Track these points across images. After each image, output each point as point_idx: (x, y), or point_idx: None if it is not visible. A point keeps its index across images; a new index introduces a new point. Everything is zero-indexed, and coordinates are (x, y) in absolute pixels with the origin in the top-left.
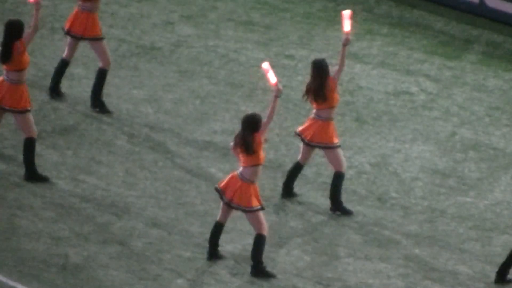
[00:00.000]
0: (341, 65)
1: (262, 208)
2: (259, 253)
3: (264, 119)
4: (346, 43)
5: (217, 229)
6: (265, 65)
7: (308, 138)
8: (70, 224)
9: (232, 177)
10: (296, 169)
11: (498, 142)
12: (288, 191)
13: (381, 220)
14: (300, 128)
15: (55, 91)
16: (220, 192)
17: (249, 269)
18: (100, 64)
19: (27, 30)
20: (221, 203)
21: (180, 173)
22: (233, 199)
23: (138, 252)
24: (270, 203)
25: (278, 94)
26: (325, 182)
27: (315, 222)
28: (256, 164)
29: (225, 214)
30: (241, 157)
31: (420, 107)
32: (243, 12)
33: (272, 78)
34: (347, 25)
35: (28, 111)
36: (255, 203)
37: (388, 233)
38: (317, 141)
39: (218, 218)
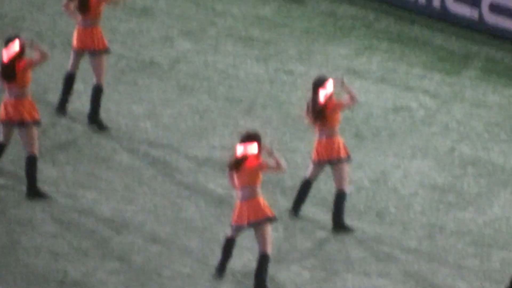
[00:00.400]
0: (352, 98)
1: (275, 220)
2: (264, 274)
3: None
4: (341, 84)
5: (229, 245)
6: (239, 151)
7: (326, 158)
8: (69, 239)
9: (236, 207)
10: (306, 187)
11: (497, 157)
12: (297, 210)
13: (380, 236)
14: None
15: (63, 108)
16: (240, 226)
17: (248, 286)
18: (94, 80)
19: (35, 55)
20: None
21: (179, 188)
22: (250, 220)
23: (137, 268)
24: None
25: (269, 151)
26: (324, 198)
27: (314, 237)
28: (251, 184)
29: (236, 232)
30: (236, 179)
31: (419, 123)
32: (242, 28)
33: (252, 150)
34: (330, 86)
35: (32, 124)
36: (269, 213)
37: (387, 249)
38: (325, 158)
39: (229, 234)
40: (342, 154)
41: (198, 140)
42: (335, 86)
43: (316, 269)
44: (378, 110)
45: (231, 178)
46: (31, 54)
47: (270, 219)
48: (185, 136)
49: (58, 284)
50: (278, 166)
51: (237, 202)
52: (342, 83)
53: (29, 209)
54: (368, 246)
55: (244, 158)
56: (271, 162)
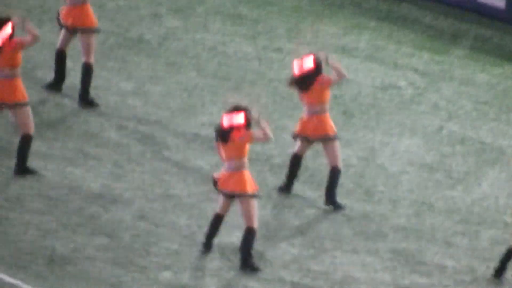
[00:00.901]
0: (339, 74)
1: (255, 196)
2: (249, 247)
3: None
4: (326, 59)
5: (217, 222)
6: (225, 122)
7: (310, 135)
8: (57, 216)
9: (221, 173)
10: (296, 162)
11: (486, 136)
12: (290, 187)
13: (368, 214)
14: (297, 129)
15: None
16: (214, 182)
17: (236, 262)
18: (82, 59)
19: (26, 37)
20: (219, 198)
21: (167, 165)
22: (225, 187)
23: (125, 244)
24: (258, 196)
25: (256, 119)
26: (313, 175)
27: (302, 215)
28: (239, 156)
29: (225, 207)
30: (223, 150)
31: (408, 101)
32: (231, 5)
33: (238, 119)
34: (309, 62)
35: (25, 104)
36: (250, 189)
37: (376, 227)
38: (318, 135)
39: (217, 210)
40: (331, 132)
41: (187, 117)
42: (320, 61)
43: (304, 247)
44: (367, 88)
45: (219, 150)
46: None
47: (253, 195)
48: (174, 113)
49: (47, 260)
50: (265, 136)
51: (223, 172)
52: (326, 59)
53: (17, 186)
54: (356, 223)
55: (231, 129)
56: (257, 133)
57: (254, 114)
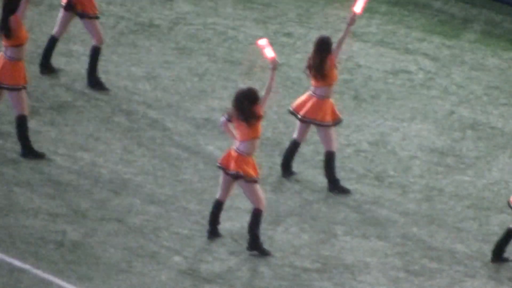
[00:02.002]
0: (341, 43)
1: (256, 181)
2: (256, 227)
3: (262, 93)
4: (352, 23)
5: (217, 207)
6: (262, 41)
7: (301, 113)
8: (67, 201)
9: (228, 152)
10: (294, 147)
11: (496, 121)
12: (286, 170)
13: (378, 199)
14: (294, 104)
15: (46, 68)
16: (221, 167)
17: (245, 246)
18: (93, 42)
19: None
20: (221, 180)
21: (177, 150)
22: (230, 167)
23: (135, 229)
24: (268, 181)
25: (274, 66)
26: (323, 160)
27: (312, 200)
28: (253, 138)
29: (225, 191)
30: (238, 131)
31: (418, 86)
32: None
33: (269, 53)
34: (358, 6)
35: (22, 88)
36: (251, 174)
37: (386, 212)
38: (310, 117)
39: (218, 196)
40: (327, 119)
41: (197, 102)
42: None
43: (314, 232)
44: (377, 73)
45: (227, 128)
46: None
47: (253, 180)
48: (184, 98)
49: (57, 245)
50: (269, 86)
51: (231, 149)
52: (353, 20)
53: (28, 171)
54: (366, 208)
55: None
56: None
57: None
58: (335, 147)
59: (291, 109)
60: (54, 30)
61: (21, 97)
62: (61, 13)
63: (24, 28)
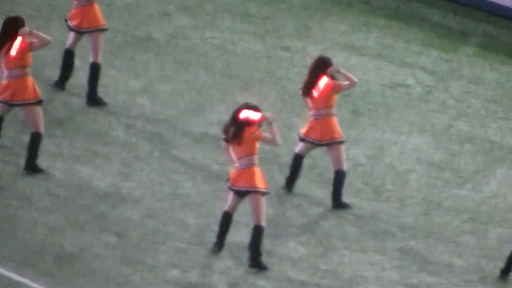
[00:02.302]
0: (350, 81)
1: (268, 193)
2: (258, 245)
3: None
4: (335, 70)
5: (227, 219)
6: (242, 115)
7: (317, 139)
8: (65, 214)
9: (233, 172)
10: (299, 162)
11: (494, 134)
12: (291, 186)
13: (376, 213)
14: (305, 132)
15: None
16: (228, 179)
17: (244, 261)
18: (91, 58)
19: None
20: (230, 195)
21: (175, 164)
22: (236, 183)
23: (133, 243)
24: (268, 193)
25: (269, 121)
26: (321, 174)
27: (311, 213)
28: (250, 154)
29: (234, 205)
30: (234, 150)
31: (416, 99)
32: (240, 3)
33: (255, 116)
34: (323, 82)
35: (37, 103)
36: (261, 185)
37: (384, 226)
38: (326, 139)
39: (226, 208)
40: (337, 136)
41: (195, 116)
42: (331, 75)
43: (312, 245)
44: (375, 86)
45: (227, 151)
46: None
47: (262, 192)
48: (182, 112)
49: (55, 258)
50: (273, 139)
51: (234, 171)
52: (338, 71)
53: (26, 184)
54: (364, 222)
55: (243, 127)
56: (267, 135)
57: (268, 115)
58: (345, 166)
59: (302, 135)
60: (67, 44)
61: (36, 113)
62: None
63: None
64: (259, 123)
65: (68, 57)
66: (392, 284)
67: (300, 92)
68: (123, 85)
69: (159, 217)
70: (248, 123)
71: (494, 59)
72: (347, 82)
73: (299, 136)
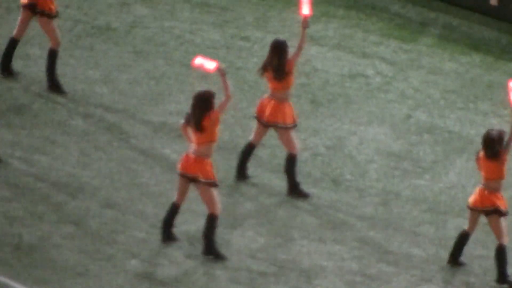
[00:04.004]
0: (300, 47)
1: (216, 185)
2: (211, 233)
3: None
4: (305, 25)
5: (173, 210)
6: (197, 61)
7: (264, 118)
8: (24, 204)
9: (186, 156)
10: (249, 150)
11: (454, 125)
12: (242, 173)
13: (335, 203)
14: (256, 110)
15: (6, 70)
16: (180, 171)
17: (202, 250)
18: (50, 44)
19: None
20: (177, 183)
21: (134, 153)
22: (186, 169)
23: (92, 232)
24: (224, 184)
25: (222, 73)
26: (280, 164)
27: (269, 204)
28: (209, 141)
29: (182, 194)
30: (193, 135)
31: (375, 90)
32: None
33: (209, 65)
34: (305, 8)
35: None
36: (211, 176)
37: (343, 216)
38: (272, 121)
39: (175, 199)
40: (289, 121)
41: (154, 105)
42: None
43: (271, 235)
44: (335, 76)
45: (184, 131)
46: None
47: (209, 183)
48: (141, 102)
49: (13, 248)
50: (225, 93)
51: (188, 152)
52: (306, 22)
53: None
54: (323, 212)
55: (202, 117)
56: (220, 105)
57: (223, 67)
58: (297, 149)
59: (255, 115)
60: (14, 32)
61: None
62: (21, 14)
63: None
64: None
65: (12, 47)
66: (351, 274)
67: (262, 73)
68: (82, 74)
69: (118, 206)
70: (206, 106)
71: (453, 50)
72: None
73: (254, 114)
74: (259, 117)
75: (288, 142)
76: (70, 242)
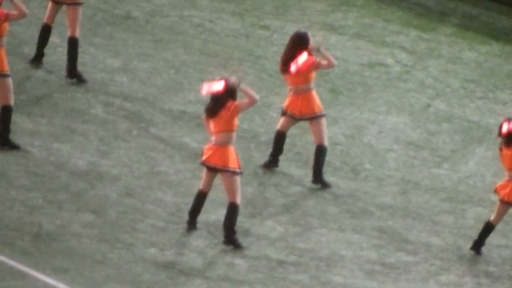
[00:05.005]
0: (329, 62)
1: (240, 173)
2: (232, 222)
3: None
4: (317, 48)
5: (200, 198)
6: (204, 90)
7: (297, 113)
8: (43, 193)
9: (208, 145)
10: (281, 138)
11: (473, 114)
12: (275, 163)
13: (354, 192)
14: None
15: (39, 60)
16: (203, 163)
17: (221, 240)
18: (69, 33)
19: (14, 11)
20: (202, 172)
21: (154, 142)
22: (209, 160)
23: (111, 221)
24: (244, 173)
25: (237, 84)
26: (299, 153)
27: (289, 193)
28: (227, 130)
29: (208, 182)
30: (211, 123)
31: (395, 79)
32: None
33: (218, 86)
34: (302, 58)
35: (6, 75)
36: (233, 165)
37: (362, 205)
38: (306, 114)
39: (200, 187)
40: (317, 110)
41: (174, 94)
42: (311, 52)
43: (290, 224)
44: (354, 65)
45: (207, 124)
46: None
47: (233, 171)
48: (161, 90)
49: (33, 236)
50: (250, 99)
51: (209, 144)
52: (318, 50)
53: (4, 162)
54: (342, 201)
55: (219, 105)
56: (243, 102)
57: (233, 81)
58: (326, 141)
59: (284, 109)
60: (44, 19)
61: (5, 85)
62: (49, 5)
63: (6, 23)
64: (232, 96)
65: (45, 33)
66: (369, 263)
67: (279, 68)
68: (101, 63)
69: (137, 195)
70: (227, 96)
71: (473, 39)
72: (326, 62)
73: (282, 109)
74: (290, 112)
75: (320, 132)
76: (89, 230)
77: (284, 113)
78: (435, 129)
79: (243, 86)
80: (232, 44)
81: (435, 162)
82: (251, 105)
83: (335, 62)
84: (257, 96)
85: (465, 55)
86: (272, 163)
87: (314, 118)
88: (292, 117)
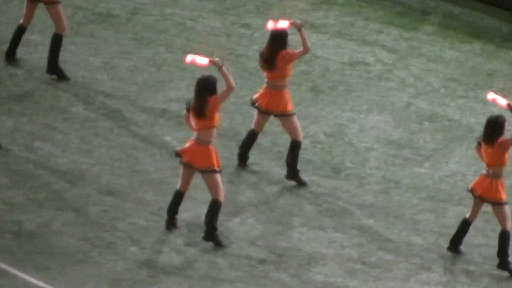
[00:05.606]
0: (305, 48)
1: (219, 171)
2: (213, 219)
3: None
4: (299, 27)
5: (178, 198)
6: (188, 58)
7: (263, 106)
8: (24, 191)
9: (189, 143)
10: (251, 138)
11: (454, 113)
12: (243, 160)
13: (335, 190)
14: (255, 96)
15: (11, 57)
16: (179, 155)
17: (201, 236)
18: (54, 30)
19: None
20: (181, 170)
21: (135, 140)
22: (191, 160)
23: (92, 220)
24: (225, 172)
25: (218, 66)
26: (280, 152)
27: (269, 191)
28: (209, 127)
29: (186, 181)
30: (194, 121)
31: (376, 78)
32: None
33: (202, 60)
34: (283, 23)
35: None
36: (214, 165)
37: (342, 204)
38: (272, 110)
39: (178, 186)
40: (287, 109)
41: (155, 92)
42: (294, 25)
43: (271, 223)
44: (335, 64)
45: (187, 120)
46: None
47: (215, 170)
48: (142, 89)
49: (14, 235)
50: (227, 84)
51: (191, 141)
52: (300, 29)
53: None
54: (323, 200)
55: (205, 105)
56: (220, 93)
57: (217, 59)
58: (301, 136)
59: (252, 100)
60: (22, 20)
61: None
62: (26, 2)
63: None
64: (213, 93)
65: (19, 33)
66: (350, 262)
67: (259, 65)
68: (82, 61)
69: (118, 193)
70: (208, 92)
71: (454, 38)
72: (300, 50)
73: (251, 100)
74: (258, 105)
75: (292, 129)
76: (70, 229)
77: (252, 104)
78: (416, 128)
79: (225, 69)
80: (213, 42)
81: (416, 161)
82: (229, 93)
83: (309, 45)
84: (234, 84)
85: (446, 54)
86: (241, 161)
87: (283, 116)
88: (259, 110)
